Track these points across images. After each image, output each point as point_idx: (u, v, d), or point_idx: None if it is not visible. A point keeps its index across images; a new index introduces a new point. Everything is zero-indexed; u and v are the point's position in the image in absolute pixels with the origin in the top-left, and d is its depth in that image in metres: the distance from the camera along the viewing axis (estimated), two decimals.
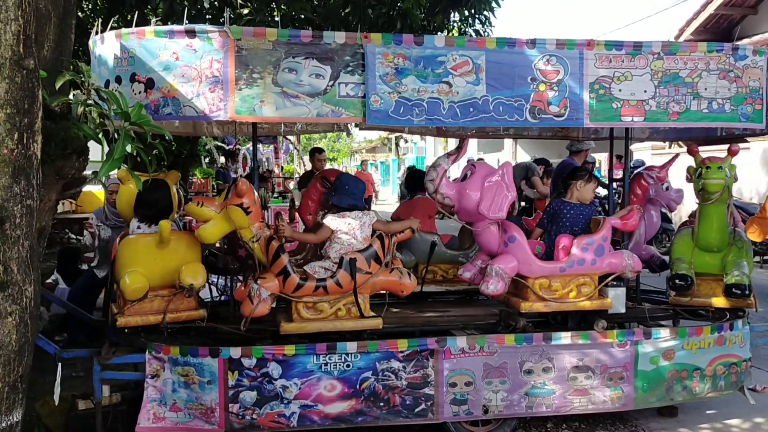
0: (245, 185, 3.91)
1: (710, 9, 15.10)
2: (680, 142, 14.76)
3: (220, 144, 16.57)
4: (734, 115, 4.23)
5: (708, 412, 4.92)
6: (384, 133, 31.40)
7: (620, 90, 4.07)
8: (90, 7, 8.40)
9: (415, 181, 5.85)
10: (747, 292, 4.44)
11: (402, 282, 4.14)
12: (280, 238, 4.01)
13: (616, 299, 4.39)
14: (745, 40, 14.00)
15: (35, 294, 2.77)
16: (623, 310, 4.44)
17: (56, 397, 4.01)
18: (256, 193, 4.11)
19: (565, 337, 4.23)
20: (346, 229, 4.09)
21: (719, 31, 15.52)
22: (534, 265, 4.30)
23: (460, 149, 4.38)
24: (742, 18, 15.46)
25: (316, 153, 8.91)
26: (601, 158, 15.52)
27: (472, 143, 29.07)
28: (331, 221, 4.13)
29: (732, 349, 4.52)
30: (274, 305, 4.06)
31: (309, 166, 9.24)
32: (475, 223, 4.30)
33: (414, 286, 4.24)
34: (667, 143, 15.28)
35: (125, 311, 3.93)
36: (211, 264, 4.89)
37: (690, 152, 4.80)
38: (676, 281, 4.67)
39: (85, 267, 7.10)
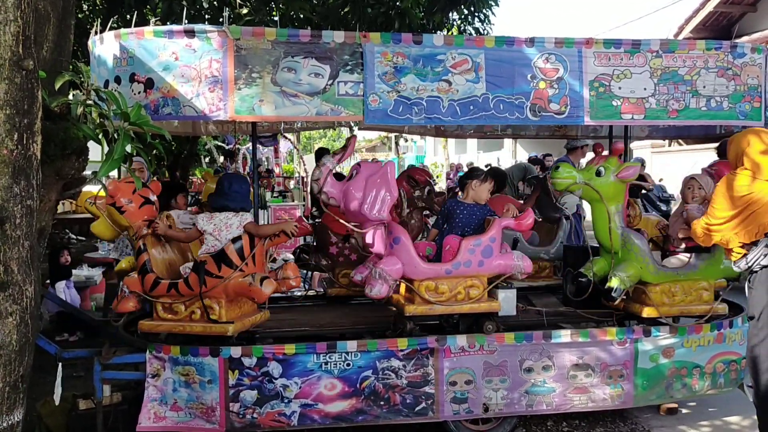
0: (113, 185, 3.99)
1: (709, 6, 15.10)
2: (680, 140, 14.78)
3: (219, 144, 16.57)
4: (732, 112, 4.24)
5: (708, 409, 4.93)
6: (383, 133, 31.40)
7: (620, 88, 4.08)
8: (89, 7, 8.40)
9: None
10: (615, 295, 4.28)
11: (251, 288, 3.86)
12: (155, 234, 4.05)
13: (506, 302, 4.23)
14: (744, 38, 14.00)
15: (36, 294, 2.77)
16: (514, 313, 4.26)
17: (57, 397, 4.01)
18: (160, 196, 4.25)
19: (565, 335, 4.23)
20: (211, 230, 3.99)
21: (718, 28, 15.51)
22: (419, 267, 4.12)
23: (345, 148, 4.21)
24: (741, 15, 15.45)
25: (324, 155, 8.95)
26: None
27: (471, 143, 29.02)
28: (199, 221, 4.06)
29: (731, 347, 4.53)
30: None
31: (309, 166, 9.28)
32: (362, 225, 4.13)
33: (266, 295, 3.90)
34: (666, 141, 15.31)
35: None
36: (303, 260, 4.96)
37: (613, 151, 4.62)
38: (578, 279, 4.56)
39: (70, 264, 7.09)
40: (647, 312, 4.37)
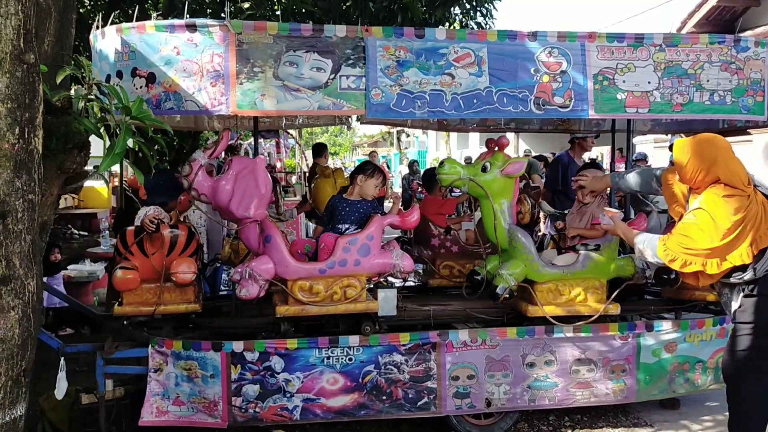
0: None
1: (712, 1, 15.04)
2: (683, 135, 14.74)
3: None
4: (735, 107, 4.22)
5: (710, 404, 4.93)
6: (385, 128, 31.37)
7: (624, 81, 4.06)
8: (91, 2, 8.39)
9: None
10: (498, 293, 4.16)
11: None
12: None
13: (385, 301, 4.05)
14: (748, 32, 13.94)
15: (38, 288, 2.78)
16: (394, 313, 4.08)
17: (59, 393, 4.02)
18: None
19: (567, 330, 4.23)
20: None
21: (722, 23, 15.44)
22: (290, 267, 3.97)
23: (217, 143, 4.07)
24: (745, 10, 15.39)
25: (323, 150, 9.00)
26: (603, 151, 15.50)
27: (474, 136, 28.97)
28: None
29: None
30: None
31: (310, 161, 9.28)
32: (239, 222, 4.04)
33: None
34: (669, 136, 15.27)
35: None
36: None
37: (499, 146, 4.39)
38: (472, 277, 4.47)
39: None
40: (531, 311, 4.21)
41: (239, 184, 3.91)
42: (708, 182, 3.42)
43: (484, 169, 4.24)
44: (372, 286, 4.29)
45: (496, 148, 4.34)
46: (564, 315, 4.24)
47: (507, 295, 4.18)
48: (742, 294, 3.48)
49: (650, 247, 3.59)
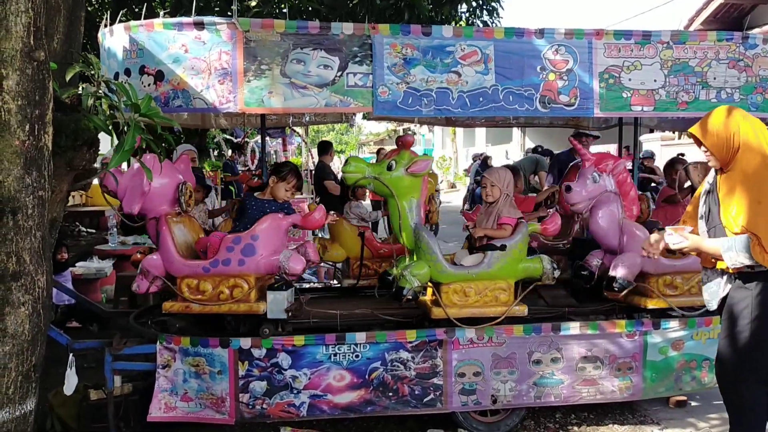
0: None
1: None
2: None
3: (228, 137, 16.59)
4: (744, 104, 4.20)
5: (716, 402, 4.91)
6: (391, 125, 31.32)
7: (630, 79, 4.05)
8: (99, 0, 8.43)
9: None
10: (404, 294, 4.03)
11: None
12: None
13: (274, 304, 3.93)
14: (756, 30, 13.88)
15: (47, 284, 2.80)
16: (283, 316, 3.95)
17: (68, 389, 4.05)
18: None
19: (573, 328, 4.22)
20: None
21: (729, 20, 15.38)
22: (176, 264, 3.98)
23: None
24: (753, 7, 15.32)
25: (329, 147, 9.06)
26: (610, 149, 15.46)
27: (480, 133, 28.91)
28: None
29: None
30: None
31: (316, 159, 9.31)
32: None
33: None
34: (676, 134, 15.21)
35: None
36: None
37: (404, 144, 4.31)
38: (384, 277, 4.36)
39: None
40: (435, 313, 4.08)
41: (129, 180, 3.97)
42: (742, 142, 3.15)
43: (389, 168, 4.12)
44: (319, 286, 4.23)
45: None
46: (469, 316, 4.10)
47: (410, 297, 4.05)
48: (741, 284, 3.24)
49: (740, 249, 3.14)
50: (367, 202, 5.32)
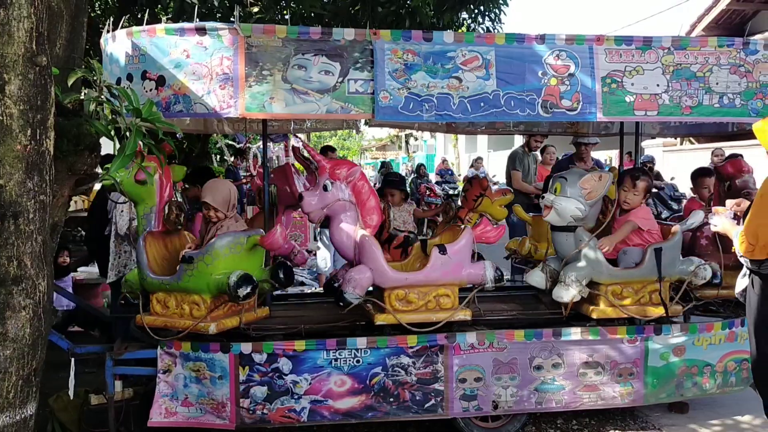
0: None
1: (722, 4, 15.02)
2: (692, 139, 14.69)
3: (230, 142, 16.60)
4: (744, 109, 4.20)
5: (718, 408, 4.90)
6: (394, 131, 31.42)
7: (633, 84, 4.04)
8: (102, 6, 8.45)
9: None
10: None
11: None
12: None
13: None
14: (757, 36, 13.90)
15: (48, 289, 2.80)
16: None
17: (71, 393, 4.05)
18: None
19: (574, 333, 4.22)
20: None
21: (731, 26, 15.42)
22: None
23: None
24: (755, 14, 15.36)
25: (328, 151, 9.06)
26: (612, 155, 15.47)
27: (482, 141, 28.97)
28: None
29: (743, 345, 4.49)
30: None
31: None
32: None
33: None
34: (678, 140, 15.22)
35: None
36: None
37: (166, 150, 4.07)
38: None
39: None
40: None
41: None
42: None
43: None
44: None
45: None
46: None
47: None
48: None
49: (735, 236, 3.38)
50: None
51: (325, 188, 4.10)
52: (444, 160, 23.77)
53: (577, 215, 4.16)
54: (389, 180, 5.76)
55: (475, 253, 4.24)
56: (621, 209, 4.48)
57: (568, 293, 4.17)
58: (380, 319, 4.06)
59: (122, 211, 5.24)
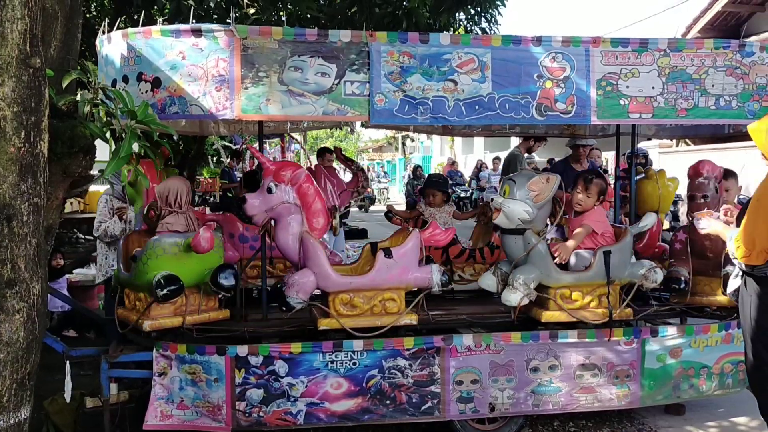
0: None
1: (717, 6, 15.05)
2: (687, 141, 14.72)
3: (227, 144, 16.59)
4: (741, 111, 4.21)
5: (715, 410, 4.91)
6: (390, 132, 31.40)
7: (628, 86, 4.05)
8: (97, 7, 8.44)
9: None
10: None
11: None
12: None
13: None
14: (753, 38, 13.93)
15: (43, 292, 2.79)
16: None
17: (67, 396, 4.03)
18: None
19: (571, 335, 4.22)
20: None
21: (727, 28, 15.45)
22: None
23: None
24: (750, 15, 15.39)
25: (326, 153, 9.02)
26: (608, 157, 15.48)
27: (478, 142, 28.97)
28: None
29: (739, 347, 4.48)
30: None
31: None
32: None
33: None
34: (674, 142, 15.25)
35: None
36: None
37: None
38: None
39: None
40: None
41: None
42: None
43: None
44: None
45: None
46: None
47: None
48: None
49: (731, 237, 3.39)
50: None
51: (269, 190, 4.03)
52: (454, 162, 23.65)
53: (524, 218, 4.15)
54: (433, 180, 5.74)
55: (424, 257, 4.21)
56: (574, 212, 4.47)
57: (515, 296, 4.12)
58: (324, 324, 4.01)
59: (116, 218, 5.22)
